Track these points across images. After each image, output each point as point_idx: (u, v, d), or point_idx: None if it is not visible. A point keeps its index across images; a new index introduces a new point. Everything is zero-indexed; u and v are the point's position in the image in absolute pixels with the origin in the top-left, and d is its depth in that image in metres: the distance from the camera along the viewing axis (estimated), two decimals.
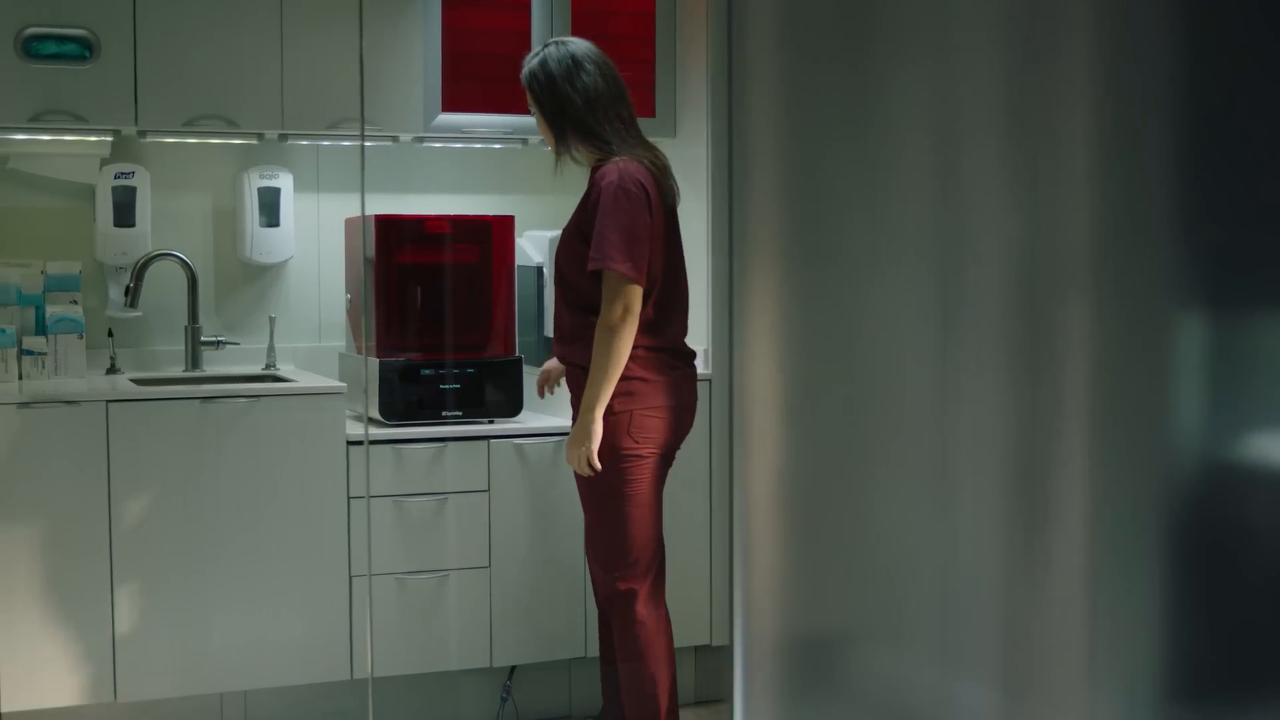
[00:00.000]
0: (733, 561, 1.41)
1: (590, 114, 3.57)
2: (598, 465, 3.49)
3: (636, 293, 3.45)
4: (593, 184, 3.56)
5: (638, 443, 3.55)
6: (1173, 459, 1.64)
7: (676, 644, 4.09)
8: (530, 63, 3.65)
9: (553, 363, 3.97)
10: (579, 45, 3.64)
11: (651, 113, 4.43)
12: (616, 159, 3.55)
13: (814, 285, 1.56)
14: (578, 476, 3.63)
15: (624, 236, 3.44)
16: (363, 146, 4.32)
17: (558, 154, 3.67)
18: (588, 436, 3.47)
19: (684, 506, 4.20)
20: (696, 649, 4.35)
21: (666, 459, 3.64)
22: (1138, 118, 1.60)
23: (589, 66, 3.59)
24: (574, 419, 3.63)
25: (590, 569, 3.74)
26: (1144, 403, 1.72)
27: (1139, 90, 1.61)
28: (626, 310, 3.43)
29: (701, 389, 4.20)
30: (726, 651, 4.70)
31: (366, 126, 4.20)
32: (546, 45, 3.66)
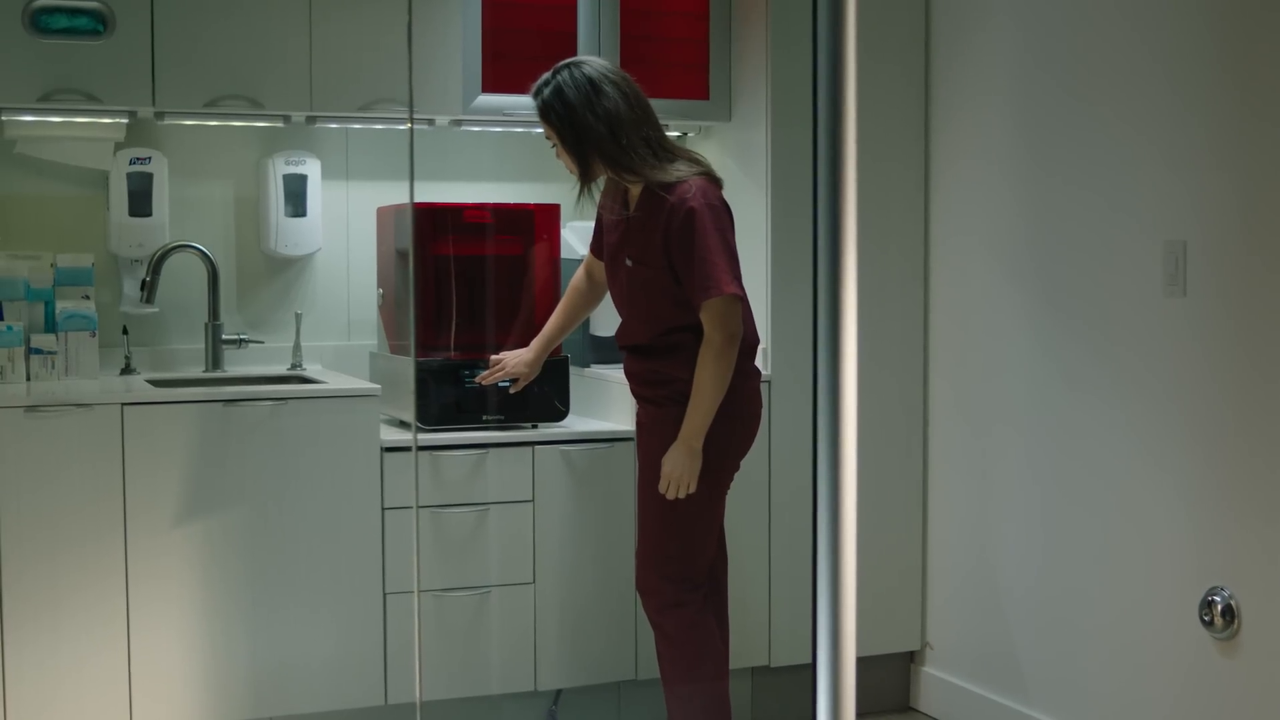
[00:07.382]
0: (816, 580, 1.31)
1: (614, 141, 3.36)
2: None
3: (741, 311, 3.36)
4: (666, 208, 3.34)
5: (713, 457, 3.41)
6: None
7: (734, 664, 3.87)
8: (544, 92, 3.42)
9: (515, 356, 3.75)
10: (595, 65, 3.43)
11: (705, 95, 4.20)
12: (678, 179, 3.35)
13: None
14: (644, 487, 3.49)
15: (727, 258, 3.32)
16: (411, 129, 4.14)
17: (583, 184, 3.45)
18: (695, 459, 3.35)
19: (744, 523, 4.03)
20: (753, 669, 4.10)
21: (735, 468, 3.53)
22: None
23: (608, 89, 3.38)
24: (644, 425, 3.52)
25: (643, 581, 3.49)
26: None
27: None
28: (735, 332, 3.34)
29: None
30: (789, 673, 4.46)
31: (402, 109, 3.97)
32: (558, 70, 3.42)
